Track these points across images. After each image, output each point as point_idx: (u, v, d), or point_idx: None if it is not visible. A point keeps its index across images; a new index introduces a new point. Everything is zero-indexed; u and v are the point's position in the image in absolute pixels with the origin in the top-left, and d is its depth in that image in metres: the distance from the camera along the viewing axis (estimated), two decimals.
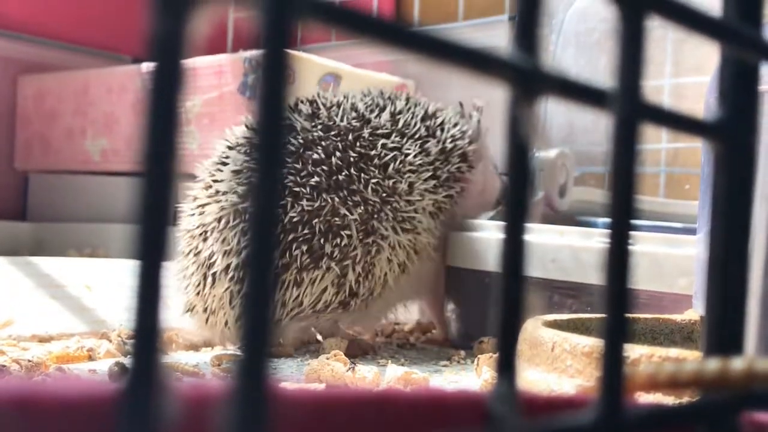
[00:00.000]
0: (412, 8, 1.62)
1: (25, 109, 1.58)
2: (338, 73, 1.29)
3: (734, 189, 0.23)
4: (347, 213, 0.85)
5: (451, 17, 1.56)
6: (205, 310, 0.86)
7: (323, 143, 0.87)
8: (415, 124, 0.93)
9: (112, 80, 1.45)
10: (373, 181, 0.87)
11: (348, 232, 0.85)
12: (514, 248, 0.17)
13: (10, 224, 1.50)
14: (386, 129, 0.91)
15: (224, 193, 0.86)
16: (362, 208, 0.86)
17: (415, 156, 0.91)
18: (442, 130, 0.95)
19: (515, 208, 0.17)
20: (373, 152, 0.88)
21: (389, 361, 0.83)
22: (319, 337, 0.92)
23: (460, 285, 0.99)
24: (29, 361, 0.70)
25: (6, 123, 1.59)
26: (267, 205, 0.14)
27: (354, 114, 0.91)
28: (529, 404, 0.25)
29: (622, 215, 0.19)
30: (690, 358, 0.50)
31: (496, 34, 1.43)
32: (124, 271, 0.99)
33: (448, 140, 0.94)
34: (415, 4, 1.61)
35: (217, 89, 1.26)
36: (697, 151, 1.10)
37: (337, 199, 0.85)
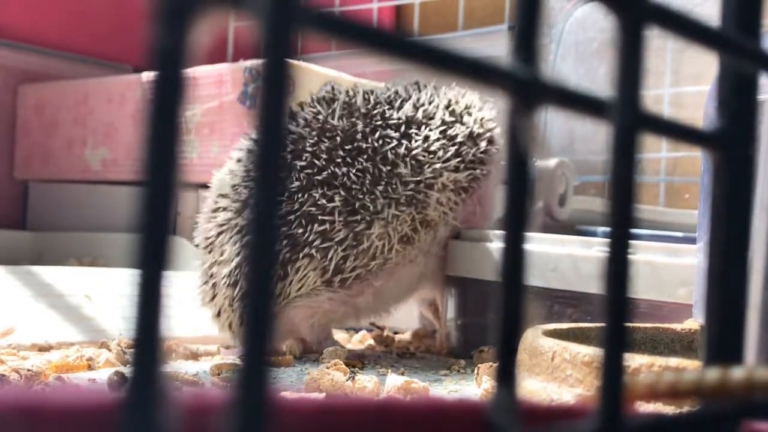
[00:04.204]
0: (412, 18, 1.62)
1: (25, 118, 1.58)
2: (338, 83, 1.29)
3: (734, 198, 0.23)
4: (326, 203, 0.87)
5: (450, 27, 1.56)
6: (218, 314, 0.91)
7: (312, 149, 0.89)
8: (436, 111, 0.95)
9: (112, 90, 1.45)
10: (355, 170, 0.88)
11: (330, 218, 0.86)
12: (514, 257, 0.17)
13: (10, 233, 1.50)
14: (401, 120, 0.92)
15: (223, 209, 0.89)
16: (343, 194, 0.87)
17: (428, 141, 0.92)
18: (469, 114, 0.96)
19: (515, 217, 0.17)
20: (365, 145, 0.89)
21: (389, 370, 0.83)
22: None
23: (460, 294, 0.99)
24: (29, 370, 0.70)
25: (6, 132, 1.59)
26: (266, 215, 0.14)
27: (364, 109, 0.92)
28: (529, 414, 0.25)
29: (622, 224, 0.19)
30: (690, 367, 0.50)
31: (495, 44, 1.43)
32: (124, 281, 0.99)
33: (476, 124, 0.96)
34: (415, 13, 1.61)
35: (217, 99, 1.26)
36: (696, 160, 1.11)
37: (316, 195, 0.87)
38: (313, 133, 0.89)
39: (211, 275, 0.90)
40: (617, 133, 0.19)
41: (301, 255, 0.87)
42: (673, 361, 0.52)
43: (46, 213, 1.57)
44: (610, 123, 0.19)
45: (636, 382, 0.23)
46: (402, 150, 0.90)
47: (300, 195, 0.87)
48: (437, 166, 0.92)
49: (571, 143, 1.35)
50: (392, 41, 0.15)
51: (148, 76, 0.13)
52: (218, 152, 1.27)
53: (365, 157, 0.89)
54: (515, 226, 0.17)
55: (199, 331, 0.97)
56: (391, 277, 0.92)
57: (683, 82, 1.31)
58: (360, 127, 0.90)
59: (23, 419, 0.20)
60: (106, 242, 1.37)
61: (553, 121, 1.34)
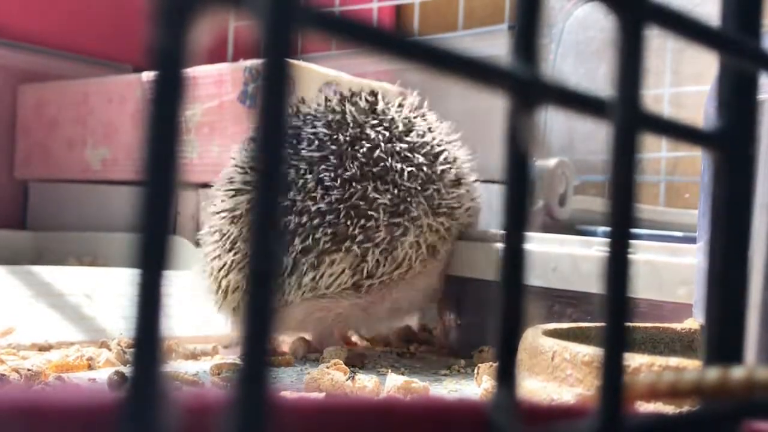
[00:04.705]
0: (412, 18, 1.62)
1: (25, 118, 1.58)
2: (338, 82, 1.29)
3: (734, 198, 0.23)
4: (377, 197, 0.86)
5: (450, 27, 1.56)
6: (225, 292, 0.89)
7: (371, 135, 0.89)
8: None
9: (112, 89, 1.45)
10: (411, 168, 0.89)
11: (375, 214, 0.86)
12: (514, 257, 0.17)
13: (10, 233, 1.50)
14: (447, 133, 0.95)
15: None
16: (393, 192, 0.87)
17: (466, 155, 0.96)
18: None
19: (515, 217, 0.17)
20: (423, 140, 0.91)
21: (389, 370, 0.83)
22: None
23: (461, 294, 0.99)
24: (29, 370, 0.70)
25: (6, 132, 1.59)
26: (267, 216, 0.14)
27: (415, 114, 0.94)
28: (529, 413, 0.25)
29: (622, 224, 0.19)
30: (690, 367, 0.50)
31: (495, 44, 1.43)
32: (124, 280, 0.99)
33: None
34: (415, 13, 1.61)
35: (217, 98, 1.26)
36: (696, 160, 1.11)
37: (369, 187, 0.86)
38: (374, 122, 0.89)
39: (231, 249, 0.88)
40: (617, 132, 0.19)
41: (342, 248, 0.85)
42: (673, 361, 0.52)
43: (46, 213, 1.57)
44: (610, 123, 0.19)
45: (636, 381, 0.23)
46: (451, 156, 0.93)
47: (353, 184, 0.86)
48: (471, 179, 0.96)
49: (571, 143, 1.35)
50: (392, 41, 0.15)
51: (148, 76, 0.13)
52: (218, 152, 1.27)
53: (424, 151, 0.89)
54: (515, 226, 0.17)
55: (198, 330, 0.97)
56: (409, 287, 0.92)
57: (683, 82, 1.31)
58: (419, 122, 0.92)
59: (23, 419, 0.20)
60: (106, 242, 1.37)
61: (553, 121, 1.34)
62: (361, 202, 0.86)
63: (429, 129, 0.92)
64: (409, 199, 0.87)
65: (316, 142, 0.87)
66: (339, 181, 0.85)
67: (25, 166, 1.59)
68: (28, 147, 1.58)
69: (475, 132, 1.24)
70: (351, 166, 0.86)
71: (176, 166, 0.13)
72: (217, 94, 1.26)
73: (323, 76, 1.27)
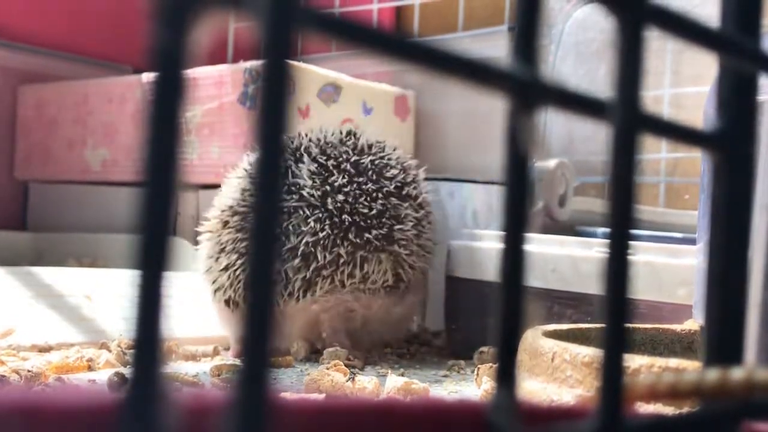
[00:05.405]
0: (411, 19, 1.62)
1: (25, 118, 1.58)
2: (338, 84, 1.29)
3: (733, 199, 0.23)
4: (410, 213, 0.96)
5: (450, 28, 1.56)
6: (233, 297, 0.92)
7: (392, 163, 0.98)
8: None
9: (112, 90, 1.45)
10: (423, 195, 0.99)
11: (410, 225, 0.95)
12: (513, 258, 0.17)
13: (10, 234, 1.50)
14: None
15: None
16: (417, 213, 0.97)
17: None
18: None
19: (515, 218, 0.17)
20: (418, 179, 1.00)
21: (389, 371, 0.83)
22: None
23: (460, 295, 0.99)
24: (29, 371, 0.70)
25: (6, 132, 1.59)
26: (268, 218, 0.14)
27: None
28: (529, 414, 0.25)
29: (622, 225, 0.19)
30: (690, 368, 0.50)
31: (495, 45, 1.43)
32: (124, 281, 0.99)
33: None
34: (415, 14, 1.61)
35: (217, 99, 1.26)
36: (696, 160, 1.11)
37: (402, 206, 0.96)
38: (382, 153, 0.98)
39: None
40: (617, 133, 0.19)
41: (389, 249, 0.93)
42: (673, 362, 0.52)
43: (46, 213, 1.57)
44: (610, 123, 0.19)
45: (636, 382, 0.23)
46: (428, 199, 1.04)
47: (391, 200, 0.95)
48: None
49: (571, 144, 1.35)
50: (392, 42, 0.15)
51: (148, 76, 0.13)
52: (218, 153, 1.27)
53: (421, 187, 1.00)
54: (515, 226, 0.17)
55: (199, 331, 0.97)
56: (411, 297, 0.99)
57: (683, 82, 1.31)
58: (412, 163, 1.03)
59: (23, 420, 0.20)
60: (105, 243, 1.37)
61: (553, 122, 1.34)
62: (401, 215, 0.95)
63: (416, 174, 1.01)
64: (423, 222, 0.97)
65: (353, 159, 0.95)
66: (381, 195, 0.94)
67: (25, 166, 1.59)
68: (28, 147, 1.58)
69: (475, 132, 1.25)
70: (387, 183, 0.95)
71: (176, 167, 0.13)
72: (217, 96, 1.26)
73: (323, 78, 1.27)
